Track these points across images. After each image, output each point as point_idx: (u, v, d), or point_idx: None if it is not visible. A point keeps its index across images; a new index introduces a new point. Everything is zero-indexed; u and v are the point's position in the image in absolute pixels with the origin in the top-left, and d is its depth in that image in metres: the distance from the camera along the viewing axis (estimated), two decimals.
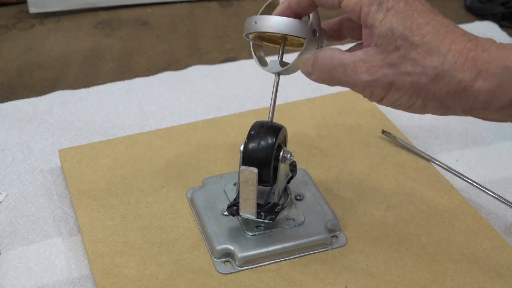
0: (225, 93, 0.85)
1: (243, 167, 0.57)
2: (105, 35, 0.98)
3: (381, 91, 0.52)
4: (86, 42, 0.96)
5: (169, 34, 0.99)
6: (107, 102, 0.83)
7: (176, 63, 0.92)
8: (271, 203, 0.60)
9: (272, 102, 0.60)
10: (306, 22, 0.56)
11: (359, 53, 0.52)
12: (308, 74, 0.56)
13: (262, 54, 0.62)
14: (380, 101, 0.53)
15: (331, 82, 0.54)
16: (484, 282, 0.59)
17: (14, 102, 0.83)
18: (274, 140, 0.58)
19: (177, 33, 0.99)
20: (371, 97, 0.53)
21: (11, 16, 1.02)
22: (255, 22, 0.57)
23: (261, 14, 0.59)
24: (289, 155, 0.60)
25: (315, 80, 0.56)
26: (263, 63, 0.60)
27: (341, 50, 0.54)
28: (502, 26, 0.99)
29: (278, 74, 0.59)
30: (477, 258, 0.61)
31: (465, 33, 0.50)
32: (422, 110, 0.52)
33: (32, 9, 1.00)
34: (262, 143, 0.58)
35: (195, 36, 0.98)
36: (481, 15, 1.01)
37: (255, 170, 0.57)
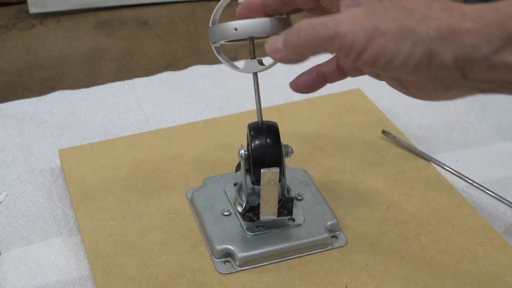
0: (225, 93, 0.85)
1: (264, 170, 0.57)
2: (105, 35, 0.98)
3: (364, 38, 0.47)
4: (86, 42, 0.96)
5: (169, 34, 0.99)
6: (107, 102, 0.83)
7: (176, 63, 0.92)
8: (283, 199, 0.60)
9: (257, 102, 0.59)
10: (284, 18, 0.57)
11: (340, 14, 0.50)
12: (275, 51, 0.52)
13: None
14: (361, 54, 0.48)
15: (305, 48, 0.51)
16: (484, 282, 0.59)
17: (14, 102, 0.83)
18: (279, 137, 0.59)
19: (177, 33, 0.99)
20: (351, 48, 0.48)
21: (11, 16, 1.02)
22: (236, 29, 0.56)
23: (217, 17, 0.59)
24: (290, 148, 0.60)
25: (284, 56, 0.52)
26: (233, 65, 0.60)
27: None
28: None
29: (256, 73, 0.59)
30: (477, 258, 0.61)
31: None
32: (408, 61, 0.47)
33: (32, 9, 1.00)
34: (269, 142, 0.58)
35: (195, 36, 0.98)
36: None
37: (277, 169, 0.57)
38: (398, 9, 0.48)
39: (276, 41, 0.52)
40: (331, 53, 0.52)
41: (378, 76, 0.55)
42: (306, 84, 0.59)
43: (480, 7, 0.47)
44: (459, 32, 0.46)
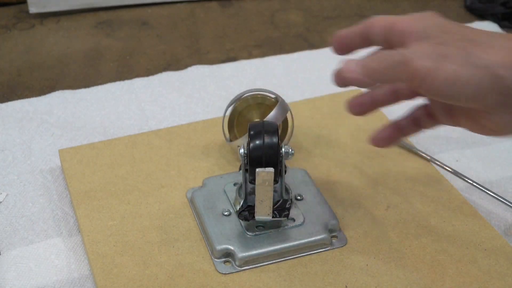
0: (225, 93, 0.85)
1: (259, 169, 0.57)
2: (105, 35, 0.98)
3: (432, 62, 0.50)
4: (86, 42, 0.96)
5: (169, 34, 0.99)
6: (107, 102, 0.83)
7: (176, 63, 0.92)
8: (280, 200, 0.60)
9: None
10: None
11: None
12: (350, 71, 0.55)
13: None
14: (433, 81, 0.50)
15: (376, 71, 0.53)
16: (484, 282, 0.59)
17: (14, 102, 0.83)
18: (277, 137, 0.59)
19: (177, 33, 0.99)
20: (416, 73, 0.50)
21: (11, 16, 1.02)
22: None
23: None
24: (290, 150, 0.60)
25: (357, 77, 0.54)
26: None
27: None
28: (502, 26, 0.99)
29: None
30: (477, 258, 0.61)
31: None
32: (476, 86, 0.50)
33: (32, 9, 1.00)
34: (267, 142, 0.58)
35: (195, 36, 0.98)
36: (481, 15, 1.01)
37: (272, 170, 0.57)
38: (462, 38, 0.51)
39: (351, 62, 0.55)
40: (400, 80, 0.53)
41: (452, 119, 0.58)
42: (386, 138, 0.63)
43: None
44: None
